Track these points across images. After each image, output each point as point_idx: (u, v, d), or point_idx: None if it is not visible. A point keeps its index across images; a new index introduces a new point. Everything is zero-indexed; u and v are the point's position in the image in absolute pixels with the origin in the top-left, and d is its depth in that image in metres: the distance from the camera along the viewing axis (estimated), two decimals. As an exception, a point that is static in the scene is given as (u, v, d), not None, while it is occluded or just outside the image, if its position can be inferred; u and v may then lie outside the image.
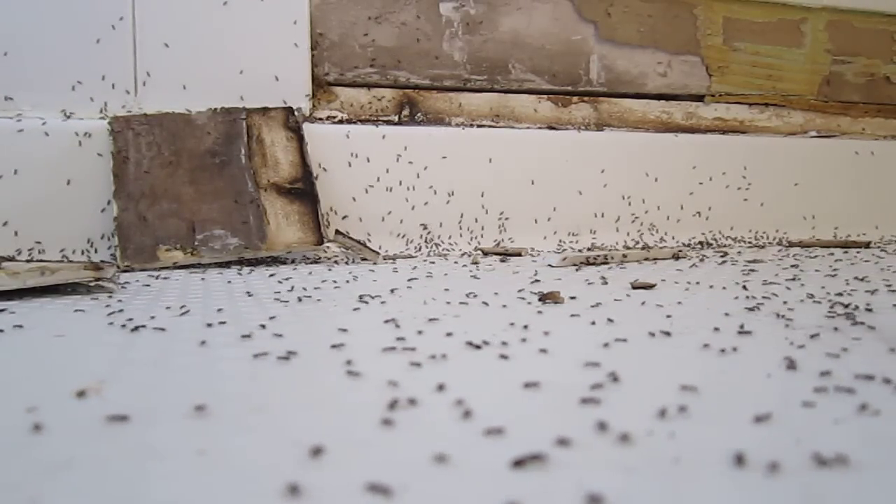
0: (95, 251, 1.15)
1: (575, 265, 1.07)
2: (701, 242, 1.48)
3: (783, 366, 0.46)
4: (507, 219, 1.39)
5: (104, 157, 1.15)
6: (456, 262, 1.14)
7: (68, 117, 1.16)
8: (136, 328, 0.59)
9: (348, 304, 0.73)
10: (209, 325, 0.61)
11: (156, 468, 0.30)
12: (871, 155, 1.66)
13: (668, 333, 0.57)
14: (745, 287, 0.83)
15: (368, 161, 1.31)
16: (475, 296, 0.77)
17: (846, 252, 1.31)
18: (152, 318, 0.64)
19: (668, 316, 0.65)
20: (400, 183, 1.33)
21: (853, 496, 0.27)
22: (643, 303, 0.72)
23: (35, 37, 1.16)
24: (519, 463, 0.30)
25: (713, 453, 0.31)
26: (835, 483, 0.28)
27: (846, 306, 0.69)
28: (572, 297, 0.75)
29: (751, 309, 0.68)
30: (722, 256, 1.22)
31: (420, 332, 0.58)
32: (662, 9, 1.54)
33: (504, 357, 0.49)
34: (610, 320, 0.63)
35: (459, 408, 0.37)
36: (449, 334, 0.57)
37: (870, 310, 0.68)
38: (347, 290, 0.83)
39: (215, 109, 1.20)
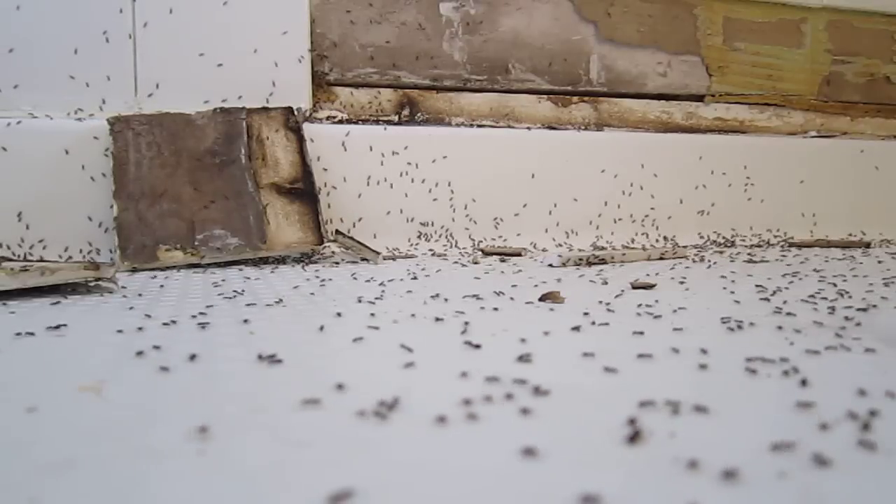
0: (96, 251, 1.15)
1: (575, 265, 1.07)
2: (702, 242, 1.48)
3: (783, 366, 0.46)
4: (507, 219, 1.39)
5: (105, 157, 1.15)
6: (456, 262, 1.14)
7: (68, 117, 1.17)
8: (136, 328, 0.59)
9: (348, 304, 0.73)
10: (209, 325, 0.61)
11: (156, 468, 0.30)
12: (872, 155, 1.66)
13: (667, 333, 0.57)
14: (746, 287, 0.83)
15: (368, 161, 1.31)
16: (475, 296, 0.77)
17: (846, 252, 1.31)
18: (152, 318, 0.64)
19: (669, 315, 0.65)
20: (400, 182, 1.33)
21: (853, 496, 0.27)
22: (643, 303, 0.72)
23: (37, 36, 1.16)
24: (518, 458, 0.30)
25: (713, 453, 0.31)
26: (835, 483, 0.28)
27: (845, 306, 0.69)
28: (572, 298, 0.75)
29: (750, 309, 0.68)
30: (723, 256, 1.22)
31: (420, 333, 0.58)
32: (662, 9, 1.54)
33: (504, 358, 0.49)
34: (610, 321, 0.63)
35: (458, 408, 0.37)
36: (449, 334, 0.57)
37: (869, 310, 0.68)
38: (348, 290, 0.83)
39: (215, 109, 1.19)
